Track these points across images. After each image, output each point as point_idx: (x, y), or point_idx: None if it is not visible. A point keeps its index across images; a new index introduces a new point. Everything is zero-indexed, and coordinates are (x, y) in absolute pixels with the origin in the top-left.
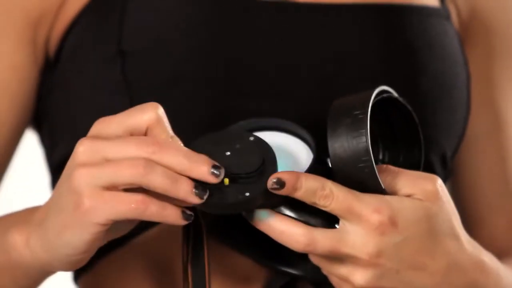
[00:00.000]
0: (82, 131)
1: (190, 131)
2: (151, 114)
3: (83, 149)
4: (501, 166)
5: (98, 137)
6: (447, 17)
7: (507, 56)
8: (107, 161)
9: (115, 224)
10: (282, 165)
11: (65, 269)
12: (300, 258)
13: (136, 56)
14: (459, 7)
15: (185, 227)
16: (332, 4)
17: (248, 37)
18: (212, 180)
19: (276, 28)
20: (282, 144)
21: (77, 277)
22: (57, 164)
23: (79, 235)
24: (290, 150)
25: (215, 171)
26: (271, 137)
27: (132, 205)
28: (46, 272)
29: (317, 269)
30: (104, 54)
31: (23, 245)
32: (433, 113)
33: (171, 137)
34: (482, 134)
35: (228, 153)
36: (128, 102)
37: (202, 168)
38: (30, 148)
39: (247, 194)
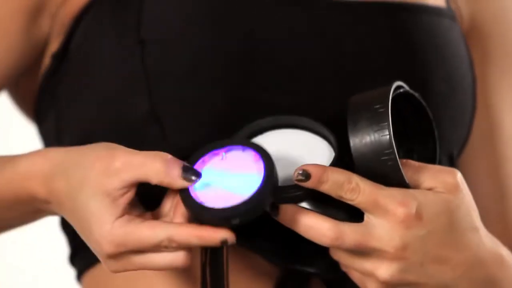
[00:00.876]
0: (90, 122)
1: (206, 121)
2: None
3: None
4: (497, 171)
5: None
6: (453, 17)
7: (503, 61)
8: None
9: None
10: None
11: None
12: (313, 256)
13: (156, 46)
14: (462, 15)
15: None
16: (346, 2)
17: (265, 31)
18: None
19: (293, 23)
20: (302, 141)
21: (80, 275)
22: None
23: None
24: (311, 147)
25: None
26: (291, 135)
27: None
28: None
29: (330, 267)
30: (122, 42)
31: (44, 201)
32: (441, 113)
33: None
34: (477, 138)
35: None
36: (146, 92)
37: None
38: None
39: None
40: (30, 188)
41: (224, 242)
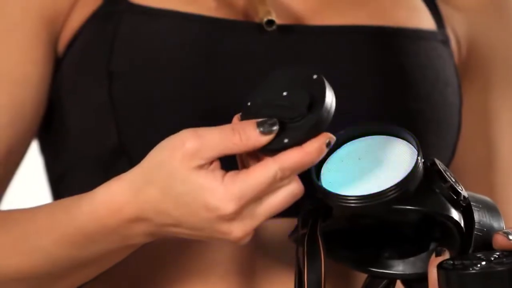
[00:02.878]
0: (72, 150)
1: None
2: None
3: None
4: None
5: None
6: (444, 41)
7: (504, 90)
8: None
9: None
10: (384, 168)
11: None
12: (394, 259)
13: (124, 78)
14: (459, 40)
15: (302, 235)
16: (326, 26)
17: (238, 62)
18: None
19: (268, 51)
20: (385, 146)
21: None
22: (58, 176)
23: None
24: (393, 150)
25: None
26: (372, 141)
27: None
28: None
29: (408, 269)
30: (94, 72)
31: (135, 219)
32: (422, 135)
33: None
34: (473, 166)
35: (285, 93)
36: (113, 124)
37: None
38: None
39: (286, 140)
40: (117, 213)
41: (329, 144)
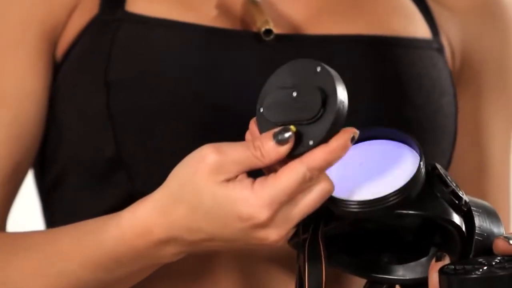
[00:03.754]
0: (66, 159)
1: (173, 165)
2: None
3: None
4: None
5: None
6: (439, 49)
7: (496, 99)
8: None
9: None
10: (386, 174)
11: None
12: (393, 264)
13: (121, 87)
14: (454, 49)
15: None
16: (324, 35)
17: (236, 71)
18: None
19: (266, 61)
20: (386, 151)
21: None
22: (50, 185)
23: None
24: (395, 155)
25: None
26: (374, 146)
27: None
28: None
29: (408, 274)
30: (91, 82)
31: (164, 242)
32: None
33: None
34: (466, 174)
35: (295, 93)
36: (111, 133)
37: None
38: None
39: (311, 143)
40: (146, 236)
41: (353, 139)
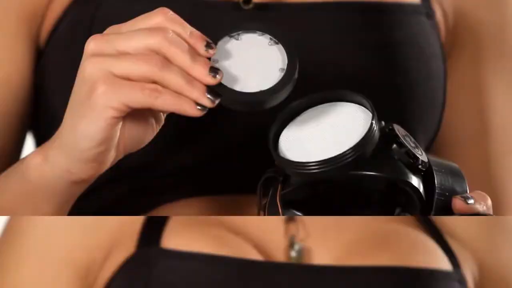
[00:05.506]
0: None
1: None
2: (160, 16)
3: (94, 42)
4: (486, 171)
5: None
6: (428, 14)
7: (497, 63)
8: (121, 53)
9: (133, 127)
10: (340, 134)
11: (86, 172)
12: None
13: None
14: (446, 10)
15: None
16: (304, 3)
17: (213, 39)
18: (210, 81)
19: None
20: (340, 112)
21: None
22: None
23: (94, 122)
24: (349, 117)
25: (212, 73)
26: (328, 108)
27: (146, 91)
28: (68, 187)
29: None
30: (78, 56)
31: (43, 162)
32: (406, 109)
33: (190, 32)
34: (467, 139)
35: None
36: None
37: (201, 69)
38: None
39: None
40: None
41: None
